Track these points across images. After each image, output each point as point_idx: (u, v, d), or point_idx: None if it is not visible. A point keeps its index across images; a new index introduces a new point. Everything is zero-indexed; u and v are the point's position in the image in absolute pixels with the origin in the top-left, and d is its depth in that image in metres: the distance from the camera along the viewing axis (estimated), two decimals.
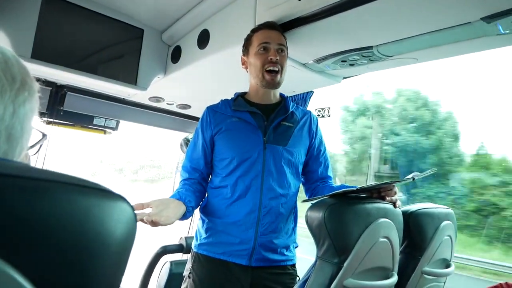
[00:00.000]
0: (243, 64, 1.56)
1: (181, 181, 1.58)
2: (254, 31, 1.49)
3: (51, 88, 2.29)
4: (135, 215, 0.46)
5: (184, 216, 1.41)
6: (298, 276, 1.57)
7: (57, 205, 0.39)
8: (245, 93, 1.62)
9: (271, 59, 1.42)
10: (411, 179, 1.25)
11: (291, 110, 1.58)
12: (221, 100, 1.62)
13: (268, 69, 1.44)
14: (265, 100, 1.57)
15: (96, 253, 0.42)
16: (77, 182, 0.42)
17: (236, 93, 1.63)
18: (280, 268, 1.51)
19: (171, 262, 2.26)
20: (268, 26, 1.46)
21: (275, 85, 1.48)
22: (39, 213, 0.37)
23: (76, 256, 0.40)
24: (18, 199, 0.36)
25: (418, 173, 1.29)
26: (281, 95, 1.64)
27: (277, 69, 1.44)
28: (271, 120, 1.53)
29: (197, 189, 1.54)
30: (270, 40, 1.44)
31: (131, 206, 0.46)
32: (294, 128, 1.57)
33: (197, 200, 1.52)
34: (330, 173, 1.68)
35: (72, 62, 1.91)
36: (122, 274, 0.46)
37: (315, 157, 1.64)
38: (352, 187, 1.44)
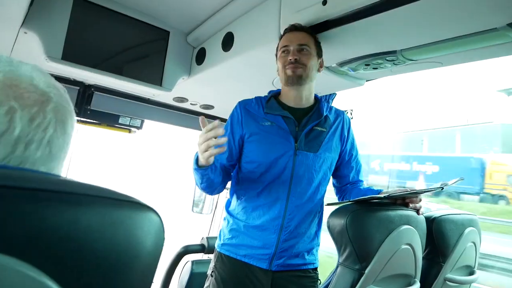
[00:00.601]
0: (277, 72, 1.54)
1: None
2: (281, 37, 1.50)
3: (79, 88, 2.35)
4: (163, 225, 0.48)
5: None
6: (319, 280, 1.56)
7: (91, 218, 0.40)
8: (279, 93, 1.60)
9: (290, 60, 1.42)
10: (440, 188, 1.24)
11: (325, 114, 1.55)
12: (255, 97, 1.59)
13: (288, 67, 1.44)
14: (297, 103, 1.54)
15: (127, 264, 0.44)
16: (110, 195, 0.43)
17: (270, 91, 1.61)
18: (301, 271, 1.51)
19: (192, 262, 2.29)
20: (289, 29, 1.46)
21: (298, 79, 1.44)
22: (74, 226, 0.39)
23: (108, 267, 0.42)
24: (56, 213, 0.38)
25: (447, 182, 1.27)
26: (316, 96, 1.61)
27: (297, 66, 1.43)
28: (303, 125, 1.50)
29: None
30: (289, 43, 1.44)
31: (160, 217, 0.48)
32: (327, 133, 1.54)
33: (220, 174, 1.51)
34: (361, 177, 1.66)
35: (100, 63, 1.96)
36: (151, 283, 0.48)
37: (346, 162, 1.62)
38: (378, 191, 1.44)
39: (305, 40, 1.44)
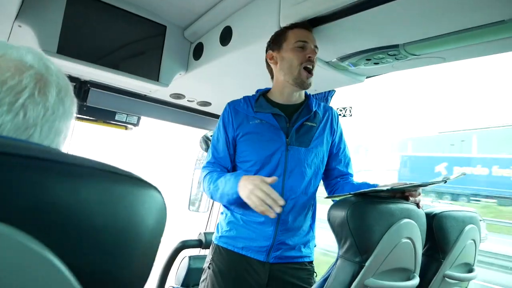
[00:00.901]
0: (270, 59, 1.53)
1: (210, 172, 1.58)
2: (288, 28, 1.48)
3: (75, 84, 2.32)
4: (165, 203, 0.47)
5: None
6: (315, 273, 1.58)
7: (91, 191, 0.39)
8: (267, 91, 1.61)
9: (309, 57, 1.43)
10: (443, 182, 1.23)
11: (314, 109, 1.57)
12: (243, 97, 1.61)
13: (306, 66, 1.44)
14: (289, 100, 1.56)
15: (128, 240, 0.43)
16: (110, 169, 0.42)
17: (258, 90, 1.62)
18: (298, 264, 1.53)
19: (189, 257, 2.29)
20: (305, 26, 1.46)
21: (307, 85, 1.48)
22: (74, 198, 0.38)
23: (109, 242, 0.41)
24: (57, 183, 0.37)
25: (449, 176, 1.27)
26: (305, 93, 1.63)
27: (311, 67, 1.45)
28: (294, 121, 1.53)
29: None
30: (308, 40, 1.44)
31: (162, 195, 0.47)
32: (317, 128, 1.56)
33: None
34: (350, 170, 1.67)
35: (96, 58, 1.94)
36: (153, 262, 0.47)
37: (334, 155, 1.64)
38: (373, 185, 1.43)
39: (316, 43, 1.47)
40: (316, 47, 1.45)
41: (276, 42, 1.51)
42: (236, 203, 1.43)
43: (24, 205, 0.34)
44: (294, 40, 1.45)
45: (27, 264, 0.33)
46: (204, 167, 1.62)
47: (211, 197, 1.53)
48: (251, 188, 1.29)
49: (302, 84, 1.47)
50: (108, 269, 0.41)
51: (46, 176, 0.36)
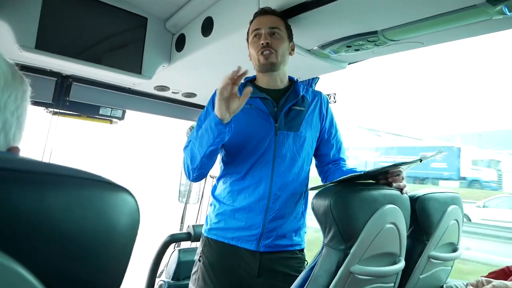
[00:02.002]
0: (249, 55, 1.54)
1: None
2: (250, 22, 1.48)
3: (56, 79, 2.29)
4: (138, 206, 0.47)
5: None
6: (306, 261, 1.58)
7: (58, 198, 0.39)
8: (254, 78, 1.61)
9: (262, 44, 1.41)
10: (418, 161, 1.25)
11: (301, 94, 1.56)
12: None
13: (262, 53, 1.42)
14: (273, 85, 1.55)
15: (99, 245, 0.42)
16: (78, 174, 0.42)
17: (245, 77, 1.61)
18: (289, 252, 1.53)
19: (179, 250, 2.29)
20: (259, 13, 1.45)
21: (270, 66, 1.44)
22: (41, 207, 0.37)
23: (79, 248, 0.40)
24: (19, 193, 0.36)
25: (425, 154, 1.28)
26: (291, 78, 1.62)
27: (269, 51, 1.42)
28: (282, 105, 1.52)
29: None
30: (260, 26, 1.43)
31: (134, 198, 0.46)
32: (306, 112, 1.56)
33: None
34: (342, 155, 1.67)
35: (77, 52, 1.91)
36: (126, 266, 0.46)
37: (326, 140, 1.64)
38: (361, 171, 1.44)
39: (276, 23, 1.44)
40: (274, 28, 1.42)
41: (247, 39, 1.52)
42: (219, 137, 1.34)
43: None
44: (251, 32, 1.46)
45: None
46: (185, 146, 1.56)
47: (191, 159, 1.44)
48: (218, 91, 1.29)
49: (263, 67, 1.45)
50: (79, 275, 0.41)
51: (7, 186, 0.35)
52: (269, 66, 1.44)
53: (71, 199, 0.40)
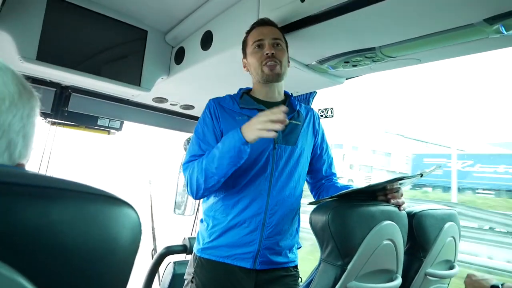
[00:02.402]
0: (244, 67, 1.54)
1: (196, 160, 1.44)
2: (248, 32, 1.48)
3: (55, 89, 2.30)
4: (139, 220, 0.47)
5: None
6: (300, 277, 1.57)
7: (63, 212, 0.39)
8: (249, 90, 1.59)
9: (266, 54, 1.40)
10: (419, 175, 1.25)
11: (297, 108, 1.56)
12: (227, 95, 1.58)
13: (266, 63, 1.41)
14: (270, 97, 1.53)
15: (102, 259, 0.43)
16: (82, 189, 0.42)
17: (240, 88, 1.61)
18: (283, 270, 1.51)
19: (174, 263, 2.27)
20: (260, 23, 1.45)
21: (276, 76, 1.43)
22: (46, 221, 0.37)
23: (81, 262, 0.41)
24: (25, 207, 0.36)
25: (425, 169, 1.29)
26: (286, 93, 1.61)
27: (275, 62, 1.41)
28: None
29: None
30: (263, 37, 1.42)
31: (136, 212, 0.46)
32: (301, 127, 1.56)
33: None
34: (334, 170, 1.68)
35: (77, 63, 1.92)
36: (128, 279, 0.47)
37: (318, 156, 1.64)
38: (355, 188, 1.44)
39: (278, 35, 1.44)
40: (276, 39, 1.42)
41: (243, 49, 1.52)
42: (239, 159, 1.31)
43: None
44: (251, 42, 1.45)
45: None
46: (187, 161, 1.48)
47: (206, 179, 1.36)
48: (255, 122, 1.25)
49: (269, 78, 1.43)
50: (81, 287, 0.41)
51: (13, 200, 0.36)
52: (275, 76, 1.43)
53: (75, 213, 0.40)
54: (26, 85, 0.61)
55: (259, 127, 1.23)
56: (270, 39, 1.41)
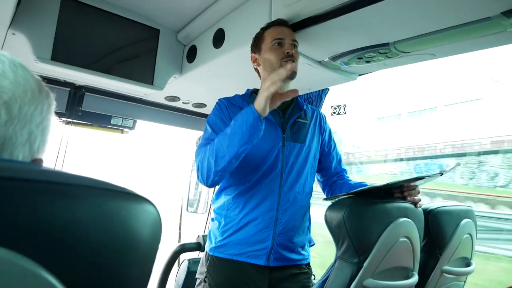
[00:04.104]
0: (254, 61, 1.52)
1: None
2: (265, 28, 1.48)
3: (69, 89, 2.33)
4: (160, 217, 0.47)
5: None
6: (313, 275, 1.57)
7: (85, 209, 0.40)
8: (257, 90, 1.59)
9: (287, 52, 1.40)
10: (440, 174, 1.24)
11: (304, 107, 1.58)
12: (236, 95, 1.60)
13: (286, 61, 1.40)
14: None
15: (124, 255, 0.43)
16: (104, 186, 0.43)
17: (248, 89, 1.62)
18: (297, 267, 1.51)
19: (189, 260, 2.28)
20: (279, 23, 1.46)
21: (293, 74, 1.41)
22: (68, 218, 0.38)
23: (104, 258, 0.41)
24: (48, 204, 0.37)
25: (445, 169, 1.28)
26: None
27: (293, 61, 1.40)
28: (288, 117, 1.53)
29: None
30: (284, 36, 1.42)
31: (157, 209, 0.47)
32: (309, 125, 1.57)
33: None
34: (344, 166, 1.69)
35: (90, 63, 1.94)
36: (150, 275, 0.47)
37: (327, 153, 1.66)
38: (372, 185, 1.43)
39: (295, 37, 1.45)
40: (294, 41, 1.43)
41: (256, 44, 1.50)
42: (251, 136, 1.25)
43: (19, 228, 0.35)
44: (270, 39, 1.44)
45: (26, 287, 0.34)
46: (200, 146, 1.45)
47: (216, 160, 1.31)
48: (267, 86, 1.21)
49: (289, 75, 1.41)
50: (104, 283, 0.42)
51: (40, 197, 0.36)
52: (293, 74, 1.41)
53: (98, 210, 0.41)
54: (43, 85, 0.64)
55: (266, 91, 1.21)
56: (290, 39, 1.42)
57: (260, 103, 1.23)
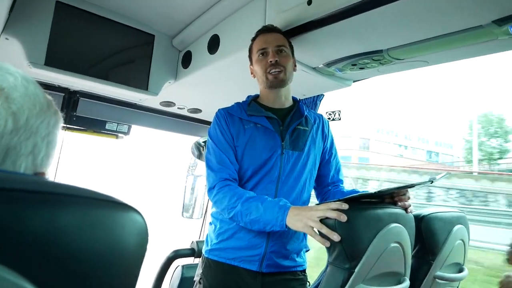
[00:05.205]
0: (251, 73, 1.56)
1: (228, 185, 1.42)
2: (253, 39, 1.50)
3: (64, 94, 2.32)
4: (146, 225, 0.47)
5: None
6: (308, 282, 1.56)
7: (70, 218, 0.39)
8: (257, 96, 1.61)
9: (270, 61, 1.42)
10: (430, 182, 1.25)
11: (305, 114, 1.57)
12: (235, 103, 1.60)
13: (270, 71, 1.43)
14: (278, 103, 1.55)
15: (109, 264, 0.43)
16: (88, 194, 0.42)
17: (249, 96, 1.63)
18: (291, 274, 1.51)
19: (182, 266, 2.27)
20: (264, 30, 1.47)
21: (280, 82, 1.45)
22: (53, 227, 0.38)
23: (89, 267, 0.41)
24: (32, 213, 0.37)
25: (435, 176, 1.29)
26: (294, 98, 1.63)
27: (279, 69, 1.43)
28: (287, 124, 1.52)
29: None
30: (266, 45, 1.44)
31: (143, 217, 0.46)
32: (309, 132, 1.56)
33: None
34: (341, 177, 1.67)
35: (85, 68, 1.94)
36: (134, 284, 0.47)
37: (327, 161, 1.64)
38: (364, 192, 1.44)
39: (282, 41, 1.46)
40: (279, 46, 1.44)
41: (249, 56, 1.54)
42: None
43: (1, 238, 0.34)
44: (256, 51, 1.47)
45: None
46: (220, 180, 1.44)
47: (233, 217, 1.36)
48: (308, 217, 1.16)
49: (273, 84, 1.46)
50: None
51: (20, 207, 0.36)
52: (280, 82, 1.45)
53: (82, 219, 0.40)
54: (53, 103, 0.66)
55: (309, 224, 1.16)
56: (274, 46, 1.43)
57: (294, 227, 1.22)
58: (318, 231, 1.13)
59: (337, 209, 1.09)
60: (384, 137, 39.71)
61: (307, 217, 1.16)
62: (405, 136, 41.20)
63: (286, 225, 1.23)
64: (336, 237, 1.07)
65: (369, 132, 38.79)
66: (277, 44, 1.44)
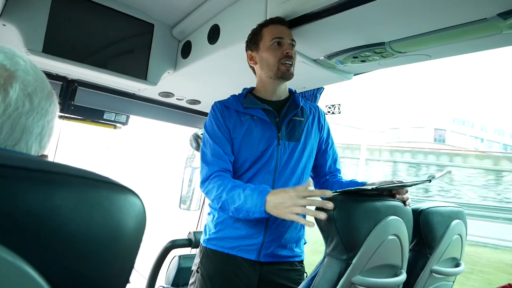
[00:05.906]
0: (251, 60, 1.54)
1: (219, 176, 1.43)
2: (263, 25, 1.48)
3: (62, 83, 2.30)
4: (144, 208, 0.46)
5: None
6: (305, 273, 1.57)
7: (66, 198, 0.39)
8: (252, 89, 1.61)
9: (287, 53, 1.42)
10: (428, 181, 1.25)
11: (301, 105, 1.57)
12: (231, 96, 1.60)
13: (284, 62, 1.43)
14: (275, 95, 1.56)
15: (106, 245, 0.42)
16: (87, 175, 0.42)
17: (244, 88, 1.62)
18: (288, 264, 1.52)
19: (179, 256, 2.28)
20: (279, 21, 1.46)
21: (290, 76, 1.46)
22: (49, 206, 0.37)
23: (86, 248, 0.40)
24: (29, 191, 0.36)
25: (434, 175, 1.28)
26: (289, 90, 1.63)
27: (291, 62, 1.44)
28: (283, 116, 1.53)
29: None
30: (283, 35, 1.43)
31: (141, 200, 0.46)
32: (305, 123, 1.57)
33: None
34: (338, 166, 1.69)
35: (83, 57, 1.92)
36: (132, 267, 0.46)
37: (323, 151, 1.65)
38: (362, 183, 1.44)
39: (293, 37, 1.46)
40: (293, 40, 1.45)
41: (253, 41, 1.51)
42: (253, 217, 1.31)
43: None
44: (269, 38, 1.44)
45: (1, 276, 0.33)
46: (213, 171, 1.44)
47: (221, 207, 1.38)
48: (290, 205, 1.18)
49: (283, 76, 1.46)
50: (84, 275, 0.41)
51: (16, 184, 0.35)
52: (290, 75, 1.46)
53: (80, 199, 0.40)
54: (53, 92, 0.69)
55: (288, 209, 1.18)
56: (289, 39, 1.44)
57: (273, 213, 1.23)
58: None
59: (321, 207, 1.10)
60: (460, 128, 34.51)
61: (290, 201, 1.18)
62: (481, 127, 36.41)
63: (265, 212, 1.24)
64: (322, 215, 1.08)
65: (444, 122, 34.06)
66: (291, 38, 1.45)
